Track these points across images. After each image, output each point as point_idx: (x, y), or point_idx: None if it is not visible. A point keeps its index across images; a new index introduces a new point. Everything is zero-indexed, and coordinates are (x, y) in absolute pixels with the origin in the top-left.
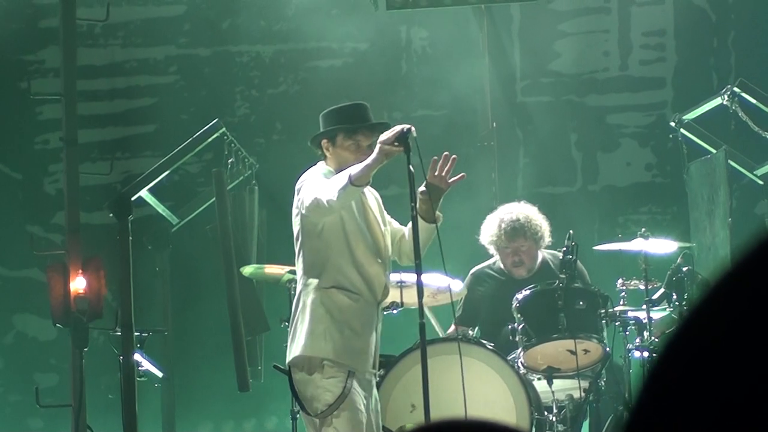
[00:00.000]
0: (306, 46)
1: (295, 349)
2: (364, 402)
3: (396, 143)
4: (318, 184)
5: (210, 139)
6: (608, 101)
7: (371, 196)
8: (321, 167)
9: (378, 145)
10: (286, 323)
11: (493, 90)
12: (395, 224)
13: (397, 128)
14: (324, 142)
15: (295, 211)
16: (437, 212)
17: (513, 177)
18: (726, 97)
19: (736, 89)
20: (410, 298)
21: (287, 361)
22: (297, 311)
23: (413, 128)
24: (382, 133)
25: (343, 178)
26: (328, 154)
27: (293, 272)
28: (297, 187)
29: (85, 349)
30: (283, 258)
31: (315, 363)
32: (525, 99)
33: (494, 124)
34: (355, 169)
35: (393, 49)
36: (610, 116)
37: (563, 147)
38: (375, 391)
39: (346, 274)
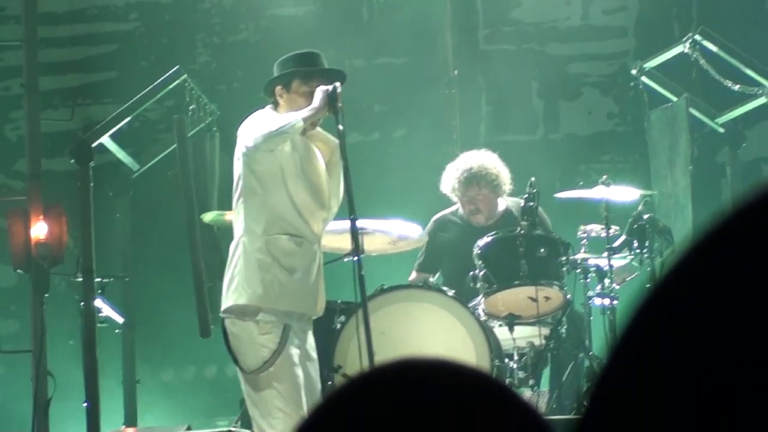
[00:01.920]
0: None
1: (235, 297)
2: (299, 353)
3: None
4: (257, 125)
5: (171, 86)
6: (570, 50)
7: (322, 141)
8: (266, 111)
9: (318, 92)
10: None
11: (455, 38)
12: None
13: (324, 91)
14: (278, 88)
15: (237, 155)
16: None
17: (475, 125)
18: (687, 45)
19: (697, 37)
20: (372, 245)
21: (222, 308)
22: (236, 258)
23: (338, 86)
24: (337, 77)
25: (286, 117)
26: (281, 100)
27: None
28: (239, 131)
29: (46, 295)
30: None
31: (252, 314)
32: (487, 47)
33: (456, 72)
34: (300, 113)
35: None
36: (571, 65)
37: (525, 95)
38: (311, 340)
39: (288, 219)
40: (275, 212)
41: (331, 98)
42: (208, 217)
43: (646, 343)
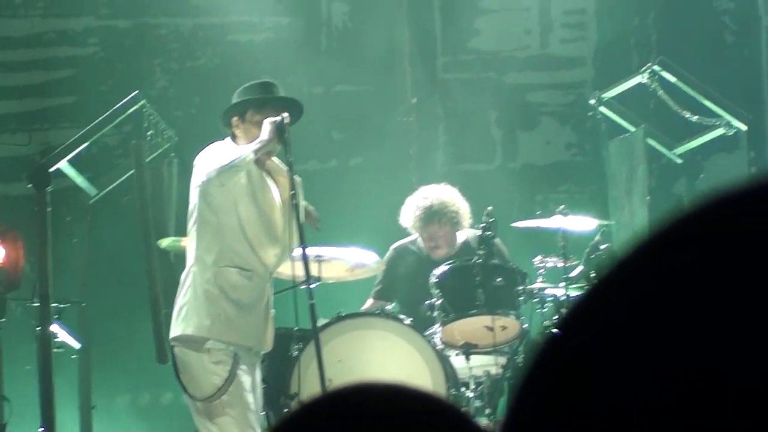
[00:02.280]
0: (226, 20)
1: (183, 326)
2: (250, 380)
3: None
4: (212, 158)
5: (129, 111)
6: (528, 79)
7: (283, 176)
8: (224, 143)
9: (266, 123)
10: None
11: (414, 66)
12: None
13: (272, 122)
14: (234, 119)
15: (193, 185)
16: None
17: (432, 153)
18: (646, 75)
19: (656, 68)
20: (329, 272)
21: (171, 336)
22: (186, 287)
23: (286, 116)
24: (292, 106)
25: (238, 150)
26: (238, 132)
27: None
28: (196, 161)
29: (2, 320)
30: None
31: (201, 344)
32: (445, 75)
33: (414, 99)
34: (251, 145)
35: (313, 23)
36: (530, 94)
37: (483, 124)
38: (258, 371)
39: (239, 252)
40: (227, 244)
41: (279, 129)
42: (164, 242)
43: (572, 346)
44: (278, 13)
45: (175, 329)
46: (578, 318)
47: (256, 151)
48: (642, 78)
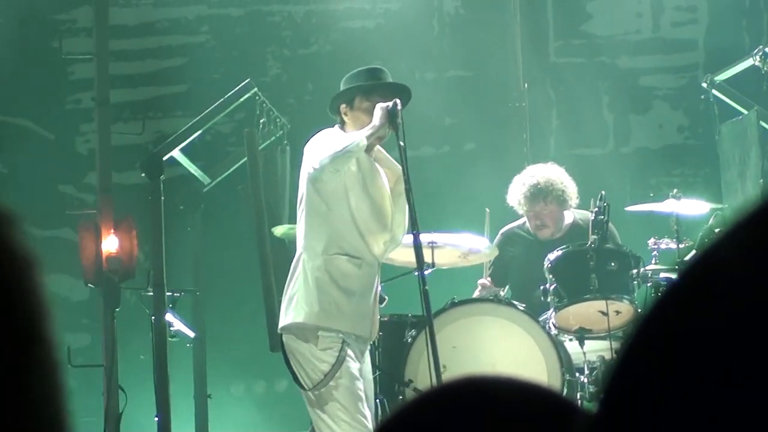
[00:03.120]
0: (338, 6)
1: (293, 315)
2: (358, 368)
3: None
4: (322, 145)
5: (242, 99)
6: (640, 63)
7: (388, 167)
8: (333, 130)
9: (377, 109)
10: None
11: (525, 51)
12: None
13: (384, 107)
14: (342, 106)
15: (303, 172)
16: None
17: (545, 138)
18: (758, 57)
19: (767, 50)
20: (442, 258)
21: (281, 326)
22: (296, 275)
23: (398, 102)
24: (401, 91)
25: (349, 136)
26: (347, 119)
27: None
28: (305, 148)
29: (117, 309)
30: None
31: (311, 332)
32: (557, 60)
33: (526, 84)
34: (362, 131)
35: (425, 9)
36: (642, 78)
37: (595, 109)
38: (368, 361)
39: (349, 239)
40: (337, 232)
41: (391, 114)
42: (279, 230)
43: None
44: None
45: (285, 318)
46: (674, 302)
47: (368, 137)
48: (754, 60)
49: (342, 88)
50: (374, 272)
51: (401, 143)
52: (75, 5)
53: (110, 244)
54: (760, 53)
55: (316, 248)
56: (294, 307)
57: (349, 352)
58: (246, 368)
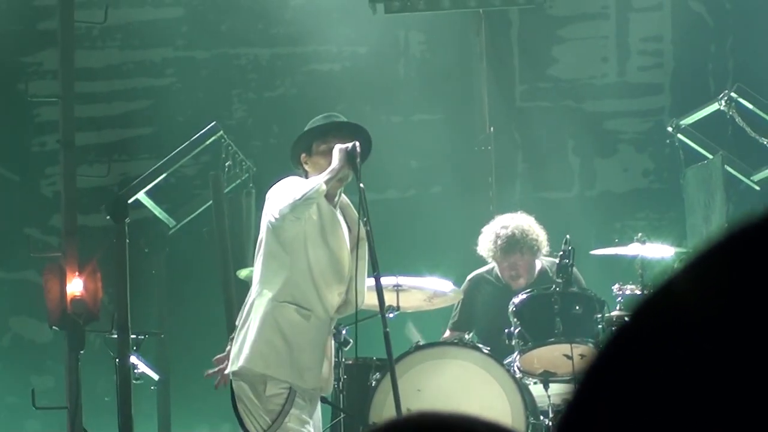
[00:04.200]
0: (304, 50)
1: (240, 359)
2: (309, 418)
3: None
4: (283, 192)
5: (207, 142)
6: (606, 107)
7: (349, 217)
8: (295, 177)
9: (336, 150)
10: None
11: (491, 94)
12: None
13: (342, 149)
14: (302, 156)
15: (264, 219)
16: None
17: (511, 181)
18: (723, 102)
19: (733, 94)
20: (406, 301)
21: (229, 370)
22: (247, 320)
23: (357, 143)
24: (356, 132)
25: (309, 182)
26: (307, 167)
27: None
28: (268, 194)
29: (81, 352)
30: None
31: (259, 378)
32: (523, 104)
33: (492, 128)
34: (321, 176)
35: (391, 53)
36: (607, 122)
37: (561, 152)
38: (318, 415)
39: (302, 289)
40: (291, 280)
41: (350, 155)
42: (243, 273)
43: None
44: (356, 42)
45: (235, 363)
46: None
47: (327, 181)
48: (719, 105)
49: (296, 142)
50: (324, 325)
51: (360, 185)
52: (41, 48)
53: (75, 286)
54: (726, 98)
55: (267, 294)
56: (242, 352)
57: (298, 401)
58: (210, 411)
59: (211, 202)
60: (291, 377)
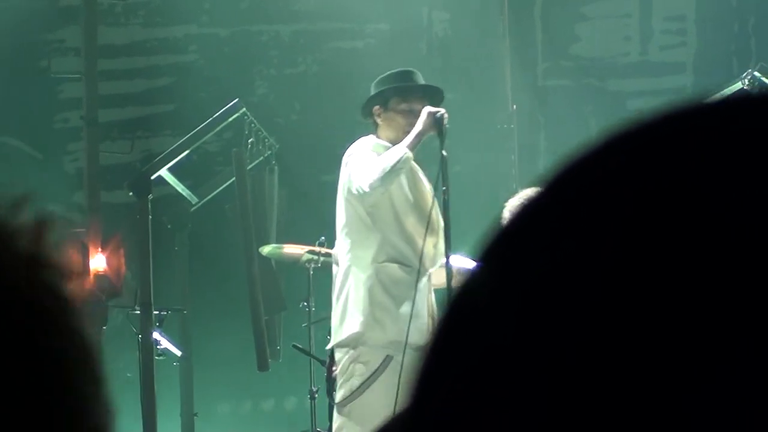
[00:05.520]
0: (326, 27)
1: (347, 327)
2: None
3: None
4: (367, 161)
5: (230, 119)
6: (628, 86)
7: (422, 170)
8: (370, 140)
9: (425, 114)
10: (305, 303)
11: (514, 73)
12: None
13: (432, 113)
14: (376, 108)
15: (341, 186)
16: None
17: (533, 160)
18: (746, 81)
19: (756, 74)
20: (434, 279)
21: (335, 341)
22: (344, 289)
23: (444, 112)
24: (434, 94)
25: (395, 151)
26: (379, 120)
27: (312, 252)
28: (344, 160)
29: (104, 328)
30: (302, 238)
31: (358, 342)
32: (545, 82)
33: (514, 106)
34: (405, 141)
35: (414, 30)
36: (630, 101)
37: (583, 131)
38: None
39: (398, 247)
40: (385, 239)
41: (438, 122)
42: (266, 250)
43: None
44: (378, 20)
45: (339, 333)
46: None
47: (412, 147)
48: (742, 84)
49: (374, 89)
50: (426, 279)
51: (443, 152)
52: (64, 25)
53: (98, 262)
54: (749, 76)
55: (364, 258)
56: (345, 320)
57: (392, 370)
58: (233, 387)
59: (233, 179)
60: (400, 335)
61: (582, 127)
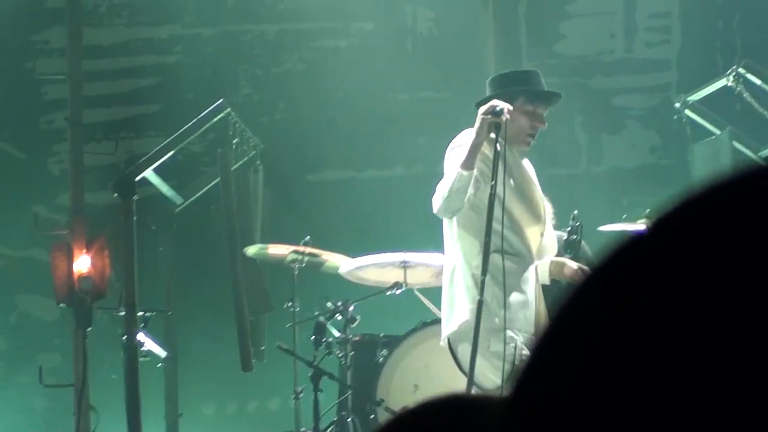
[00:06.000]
0: (311, 26)
1: (458, 317)
2: None
3: (492, 120)
4: (441, 183)
5: (215, 120)
6: (613, 83)
7: (528, 163)
8: (461, 138)
9: (480, 119)
10: (290, 304)
11: (499, 71)
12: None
13: (487, 120)
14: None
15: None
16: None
17: None
18: (731, 78)
19: (741, 70)
20: (414, 278)
21: (448, 333)
22: (455, 281)
23: (506, 110)
24: (555, 100)
25: (449, 175)
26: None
27: (297, 252)
28: (446, 154)
29: (89, 329)
30: (287, 238)
31: (486, 332)
32: None
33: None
34: (462, 156)
35: (398, 29)
36: (615, 98)
37: (568, 128)
38: None
39: (506, 237)
40: (492, 231)
41: (495, 123)
42: (251, 250)
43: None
44: (363, 19)
45: (450, 325)
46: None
47: (467, 166)
48: (727, 81)
49: (493, 86)
50: (533, 269)
51: (498, 146)
52: (48, 26)
53: (82, 264)
54: (733, 73)
55: (472, 250)
56: (459, 311)
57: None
58: (218, 388)
59: (218, 179)
60: (511, 323)
61: (567, 125)
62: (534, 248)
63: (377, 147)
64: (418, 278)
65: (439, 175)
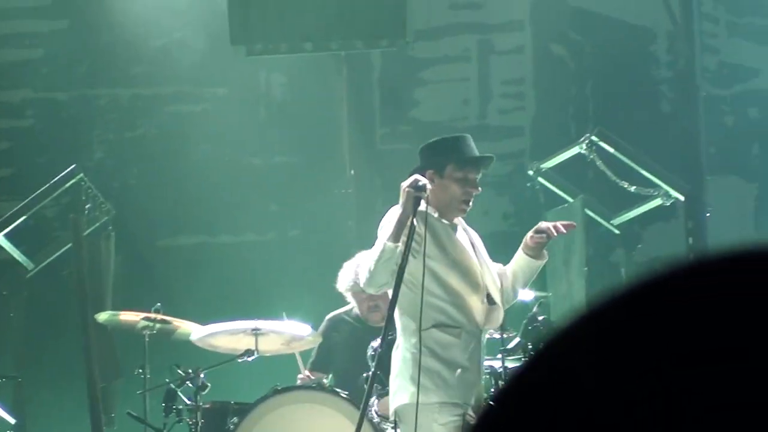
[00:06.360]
0: (164, 90)
1: (402, 396)
2: None
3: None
4: (365, 258)
5: (67, 185)
6: None
7: (462, 232)
8: (391, 212)
9: (405, 193)
10: (140, 370)
11: (352, 137)
12: (497, 267)
13: (414, 180)
14: (430, 173)
15: None
16: (544, 251)
17: (371, 224)
18: (584, 146)
19: (594, 138)
20: (265, 345)
21: (394, 408)
22: (398, 359)
23: (426, 184)
24: (487, 164)
25: (376, 247)
26: (433, 185)
27: (148, 319)
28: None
29: None
30: (138, 305)
31: (429, 409)
32: (384, 147)
33: (352, 171)
34: (387, 231)
35: (252, 94)
36: None
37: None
38: None
39: (444, 309)
40: (429, 304)
41: (416, 198)
42: (102, 317)
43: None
44: (217, 84)
45: (393, 403)
46: (514, 390)
47: (393, 238)
48: (580, 148)
49: (425, 153)
50: (477, 340)
51: (415, 221)
52: None
53: None
54: (587, 141)
55: (410, 327)
56: (398, 390)
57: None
58: None
59: (70, 244)
60: (453, 398)
61: None
62: (478, 316)
63: (230, 212)
64: (269, 345)
65: (291, 242)
